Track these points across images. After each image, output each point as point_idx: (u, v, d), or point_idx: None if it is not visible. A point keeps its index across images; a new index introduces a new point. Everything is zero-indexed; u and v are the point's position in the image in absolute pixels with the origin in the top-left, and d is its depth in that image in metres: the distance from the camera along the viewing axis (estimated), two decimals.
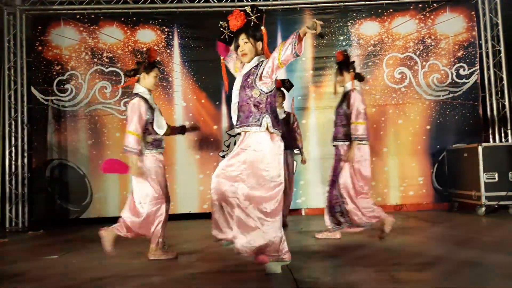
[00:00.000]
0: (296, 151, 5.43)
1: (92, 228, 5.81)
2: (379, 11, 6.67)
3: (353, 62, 4.43)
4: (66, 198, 6.32)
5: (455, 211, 6.29)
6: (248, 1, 6.52)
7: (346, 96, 4.31)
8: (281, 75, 5.93)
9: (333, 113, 4.46)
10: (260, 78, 2.93)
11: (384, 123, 6.60)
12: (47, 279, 3.14)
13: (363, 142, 4.26)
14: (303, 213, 6.61)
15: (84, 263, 3.62)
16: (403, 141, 6.59)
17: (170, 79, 6.53)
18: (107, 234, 3.56)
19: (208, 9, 6.48)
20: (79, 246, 4.48)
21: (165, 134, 3.72)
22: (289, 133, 5.30)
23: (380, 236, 4.10)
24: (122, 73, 6.43)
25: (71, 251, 4.19)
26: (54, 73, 6.42)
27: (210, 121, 6.53)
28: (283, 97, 5.33)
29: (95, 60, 6.48)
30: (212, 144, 6.48)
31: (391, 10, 6.67)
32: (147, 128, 3.57)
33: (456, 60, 6.62)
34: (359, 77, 4.41)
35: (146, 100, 3.58)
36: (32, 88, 6.38)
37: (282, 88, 5.26)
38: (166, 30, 6.57)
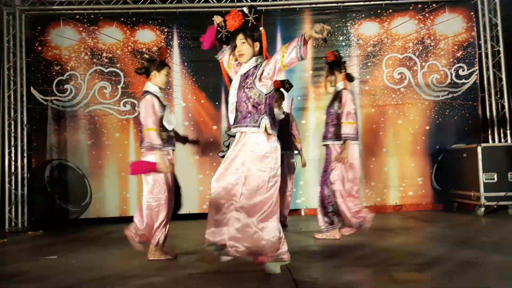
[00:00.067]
0: (295, 152, 5.43)
1: (91, 228, 5.85)
2: (379, 11, 6.68)
3: (344, 62, 4.47)
4: (66, 198, 6.32)
5: (454, 211, 6.29)
6: (248, 1, 6.53)
7: (337, 96, 4.34)
8: (281, 75, 5.92)
9: (324, 113, 4.50)
10: (260, 79, 2.93)
11: (384, 124, 6.61)
12: (47, 279, 3.14)
13: (353, 142, 4.27)
14: (302, 213, 6.62)
15: (83, 263, 3.61)
16: (403, 142, 6.59)
17: (169, 79, 6.51)
18: (129, 234, 3.65)
19: (207, 9, 6.49)
20: (79, 246, 4.48)
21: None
22: (288, 133, 5.30)
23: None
24: (121, 73, 6.44)
25: (70, 251, 4.18)
26: (54, 73, 6.42)
27: (210, 121, 6.54)
28: (282, 97, 5.34)
29: (95, 60, 6.48)
30: (211, 145, 6.49)
31: (390, 10, 6.68)
32: (161, 125, 3.58)
33: (455, 61, 6.63)
34: (349, 78, 4.44)
35: (157, 97, 3.61)
36: (32, 88, 6.38)
37: (281, 89, 5.26)
38: (165, 30, 6.58)
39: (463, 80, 6.60)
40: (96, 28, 6.51)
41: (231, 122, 3.03)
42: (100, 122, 6.44)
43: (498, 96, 6.58)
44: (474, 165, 5.69)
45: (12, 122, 6.29)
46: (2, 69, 6.28)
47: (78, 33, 6.49)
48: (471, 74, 6.60)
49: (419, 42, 6.67)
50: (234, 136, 3.10)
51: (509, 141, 6.44)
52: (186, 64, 6.55)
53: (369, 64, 6.64)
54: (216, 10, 6.46)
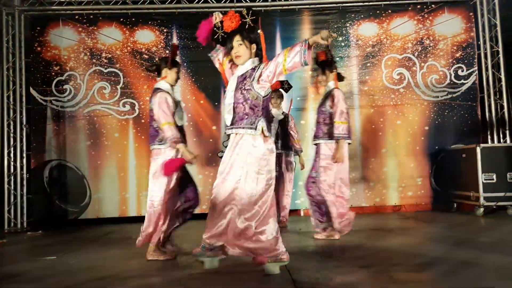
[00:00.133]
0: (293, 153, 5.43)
1: (91, 228, 5.85)
2: (378, 12, 6.68)
3: (335, 62, 4.48)
4: (65, 198, 6.31)
5: (453, 211, 6.30)
6: (247, 1, 6.53)
7: (329, 95, 4.34)
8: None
9: (315, 112, 4.52)
10: (258, 82, 2.93)
11: (383, 124, 6.61)
12: (46, 279, 3.14)
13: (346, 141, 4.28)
14: (301, 213, 6.61)
15: (83, 264, 3.61)
16: (402, 142, 6.59)
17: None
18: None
19: (207, 9, 6.47)
20: (78, 247, 4.48)
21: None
22: (287, 134, 5.31)
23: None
24: (121, 74, 6.44)
25: (70, 252, 4.18)
26: (53, 73, 6.41)
27: (209, 121, 6.54)
28: (282, 98, 5.34)
29: (94, 60, 6.48)
30: (211, 145, 6.49)
31: (389, 11, 6.68)
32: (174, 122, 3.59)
33: (454, 61, 6.63)
34: (340, 77, 4.45)
35: (169, 94, 3.63)
36: (31, 89, 6.37)
37: (280, 89, 5.26)
38: (165, 30, 6.57)
39: (462, 81, 6.61)
40: (95, 28, 6.50)
41: (228, 123, 3.03)
42: (100, 122, 6.43)
43: (497, 96, 6.58)
44: (473, 165, 5.69)
45: (12, 123, 6.28)
46: (1, 70, 6.27)
47: (77, 33, 6.49)
48: (470, 74, 6.61)
49: (418, 43, 6.67)
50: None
51: (508, 141, 6.44)
52: (185, 64, 6.54)
53: (368, 64, 6.64)
54: (216, 11, 6.44)
